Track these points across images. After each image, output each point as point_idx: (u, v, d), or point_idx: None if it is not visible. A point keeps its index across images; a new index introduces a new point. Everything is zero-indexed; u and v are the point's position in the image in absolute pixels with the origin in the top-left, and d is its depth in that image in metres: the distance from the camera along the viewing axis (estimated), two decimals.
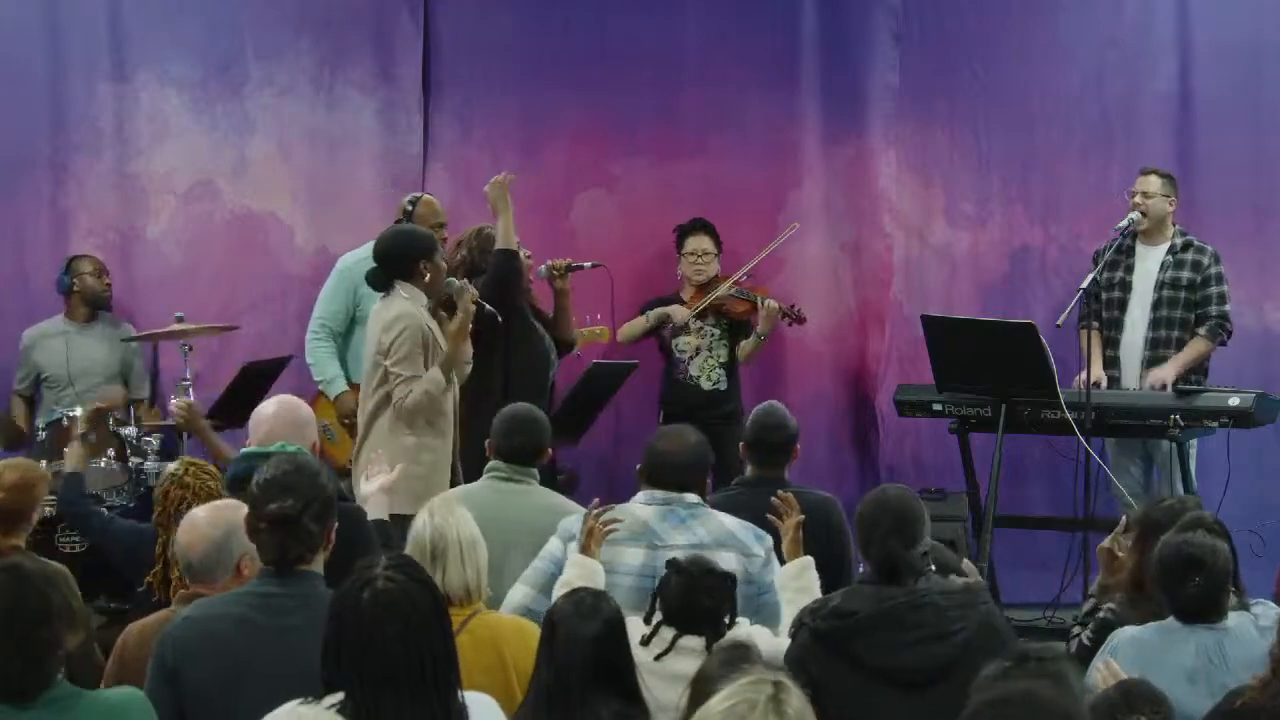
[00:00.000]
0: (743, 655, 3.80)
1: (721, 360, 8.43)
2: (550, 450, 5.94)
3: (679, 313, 8.36)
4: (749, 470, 6.04)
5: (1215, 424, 7.69)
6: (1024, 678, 3.24)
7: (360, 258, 7.87)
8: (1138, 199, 8.02)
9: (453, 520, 4.64)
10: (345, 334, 7.83)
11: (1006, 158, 8.96)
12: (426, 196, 7.87)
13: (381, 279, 6.69)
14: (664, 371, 8.48)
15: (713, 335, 8.41)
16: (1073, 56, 8.96)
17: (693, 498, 5.27)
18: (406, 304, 6.58)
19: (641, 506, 5.26)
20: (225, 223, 8.62)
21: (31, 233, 8.55)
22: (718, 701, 3.09)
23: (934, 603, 4.52)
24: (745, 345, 8.42)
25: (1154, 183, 8.05)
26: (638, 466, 5.40)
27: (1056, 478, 8.33)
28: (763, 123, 8.86)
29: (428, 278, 6.65)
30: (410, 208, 7.76)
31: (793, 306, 8.38)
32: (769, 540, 5.28)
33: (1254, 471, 8.33)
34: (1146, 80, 8.96)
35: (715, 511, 5.31)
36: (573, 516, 5.34)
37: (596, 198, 8.79)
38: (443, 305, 6.96)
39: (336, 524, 4.20)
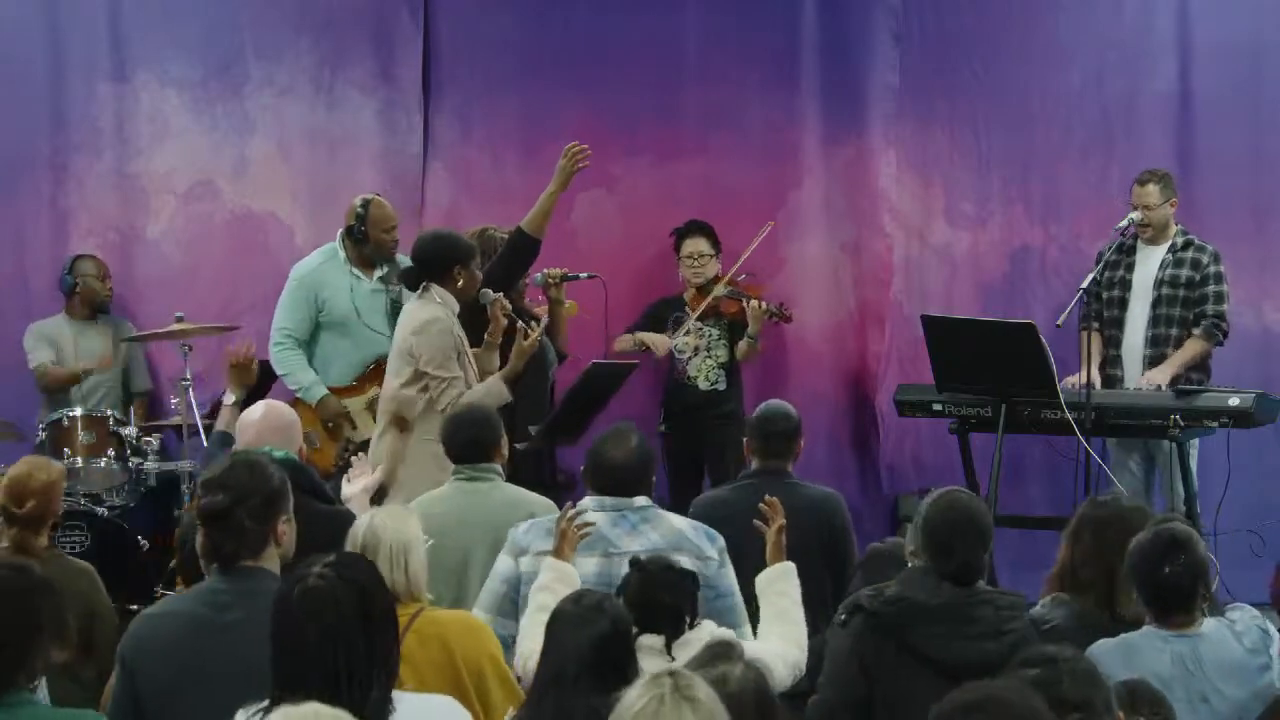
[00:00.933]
0: (724, 652, 3.80)
1: (720, 360, 8.43)
2: (504, 447, 5.89)
3: (660, 344, 8.34)
4: (754, 464, 6.04)
5: (1215, 424, 7.68)
6: (1059, 682, 3.25)
7: (314, 265, 7.88)
8: (1139, 214, 8.01)
9: (391, 524, 4.62)
10: (309, 341, 7.82)
11: (1006, 158, 8.96)
12: (378, 198, 7.85)
13: (414, 278, 6.73)
14: (665, 371, 8.48)
15: (711, 335, 8.41)
16: (1073, 56, 8.96)
17: (642, 500, 5.21)
18: (438, 308, 6.64)
19: (590, 514, 5.18)
20: (225, 223, 8.62)
21: (31, 233, 8.55)
22: (626, 707, 3.14)
23: (993, 601, 4.57)
24: (740, 346, 8.42)
25: (1152, 194, 8.02)
26: (581, 468, 5.36)
27: (1056, 478, 8.33)
28: (763, 123, 8.85)
29: (460, 283, 6.72)
30: (363, 210, 7.73)
31: (780, 305, 8.36)
32: (721, 541, 5.23)
33: (1254, 471, 8.32)
34: (1146, 80, 8.96)
35: (666, 514, 5.26)
36: (521, 527, 5.27)
37: (596, 198, 8.78)
38: (471, 310, 6.97)
39: (288, 518, 4.18)
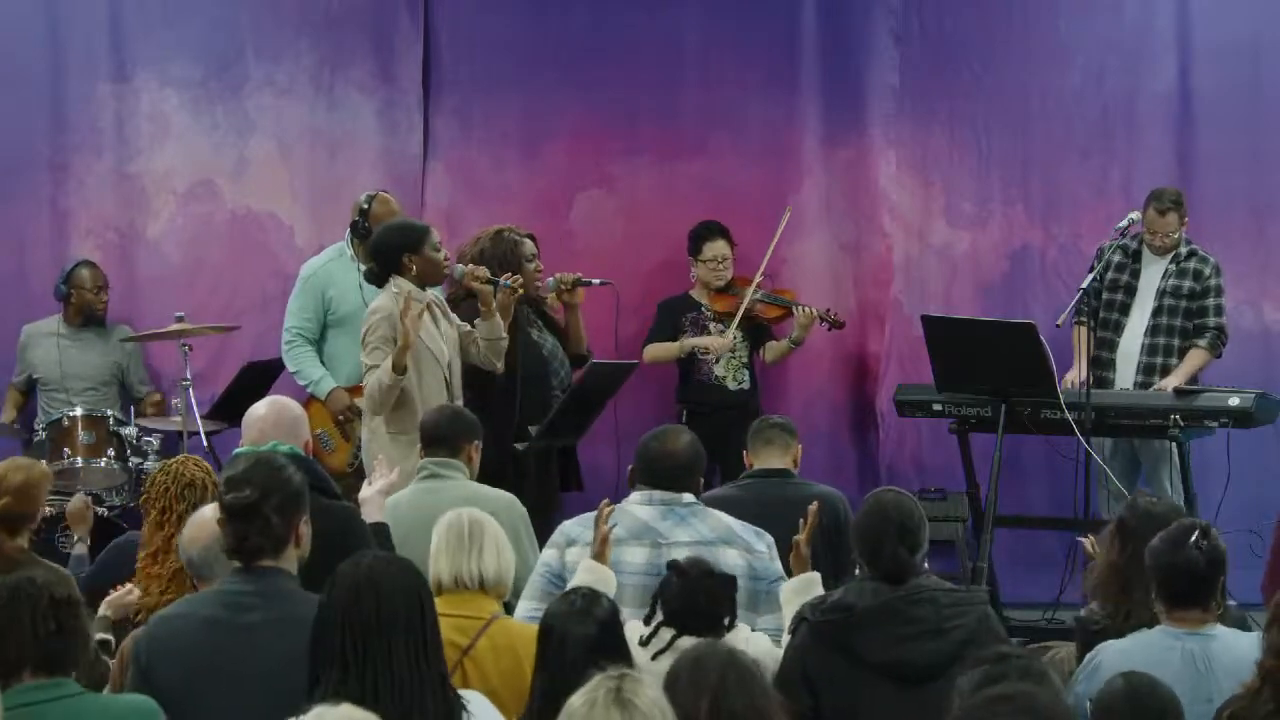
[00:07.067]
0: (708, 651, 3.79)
1: (744, 360, 8.43)
2: (478, 444, 5.89)
3: (717, 345, 8.29)
4: (753, 465, 6.06)
5: (1215, 424, 7.68)
6: (1005, 677, 3.25)
7: (322, 262, 7.91)
8: (1159, 241, 8.00)
9: (490, 518, 4.74)
10: (318, 340, 7.83)
11: (1006, 158, 8.95)
12: (382, 194, 7.88)
13: (378, 276, 6.75)
14: (681, 372, 8.45)
15: (736, 336, 8.39)
16: (1073, 56, 8.96)
17: (689, 497, 5.24)
18: (385, 299, 6.63)
19: (639, 507, 5.22)
20: (225, 223, 8.62)
21: (31, 233, 8.55)
22: (570, 702, 3.20)
23: (933, 599, 4.54)
24: (776, 348, 8.44)
25: (1172, 223, 7.98)
26: (629, 467, 5.36)
27: (1056, 478, 8.32)
28: (763, 123, 8.85)
29: (415, 270, 6.69)
30: (366, 206, 7.76)
31: (829, 310, 8.37)
32: (769, 537, 5.27)
33: (1254, 471, 8.31)
34: (1146, 80, 8.95)
35: (715, 510, 5.28)
36: (569, 522, 5.29)
37: (596, 198, 8.79)
38: (465, 295, 6.95)
39: (306, 518, 4.21)
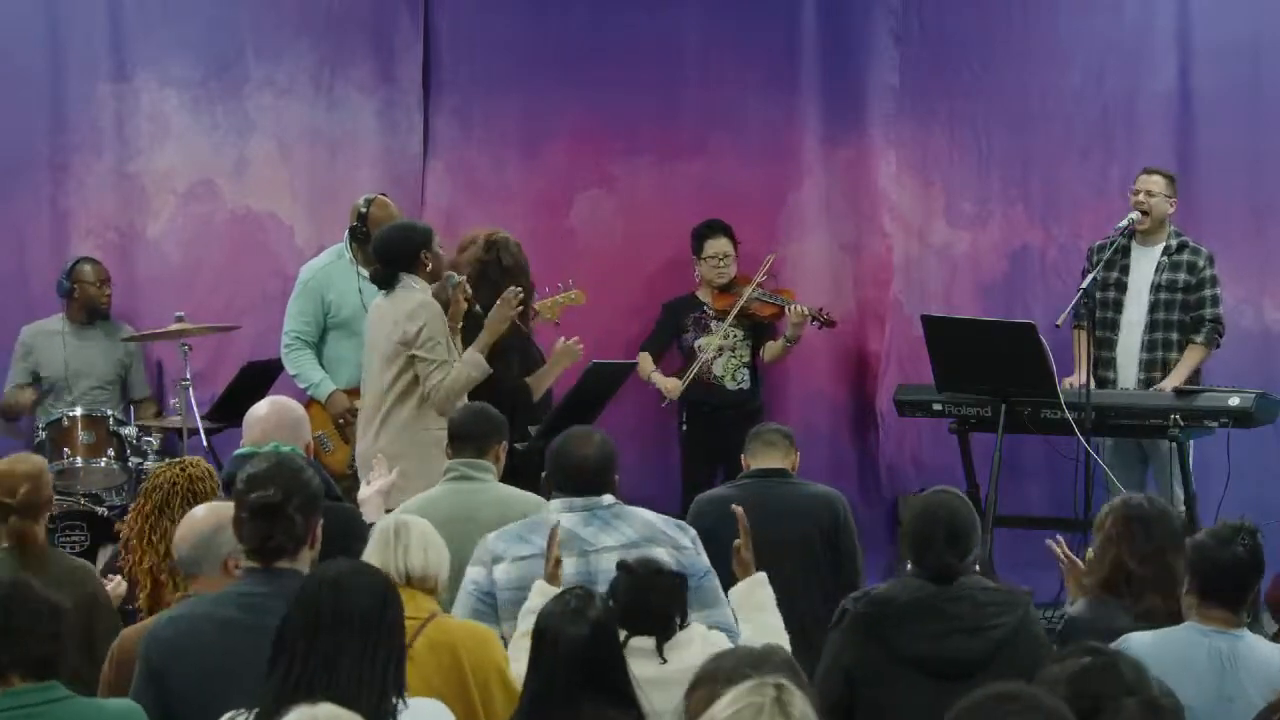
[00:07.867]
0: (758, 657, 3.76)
1: (744, 359, 8.44)
2: (505, 444, 5.85)
3: (669, 386, 8.29)
4: (751, 466, 6.06)
5: (1215, 424, 7.69)
6: (1115, 668, 3.24)
7: (321, 265, 7.91)
8: (1141, 197, 8.02)
9: (411, 518, 4.74)
10: (318, 343, 7.83)
11: (1006, 158, 8.96)
12: (381, 198, 7.89)
13: (388, 276, 6.74)
14: (680, 371, 8.45)
15: (736, 336, 8.40)
16: (1073, 56, 8.97)
17: (609, 499, 5.16)
18: (420, 294, 6.66)
19: (560, 515, 5.12)
20: (225, 223, 8.61)
21: (31, 233, 8.54)
22: (723, 707, 3.09)
23: (972, 597, 4.55)
24: (773, 348, 8.45)
25: (1158, 182, 8.04)
26: (544, 475, 5.31)
27: (1056, 478, 8.33)
28: (763, 123, 8.85)
29: (430, 266, 6.75)
30: (365, 209, 7.77)
31: (821, 310, 8.38)
32: (693, 531, 5.22)
33: (1254, 471, 8.32)
34: (1146, 80, 8.96)
35: (637, 509, 5.21)
36: (492, 536, 5.18)
37: (596, 198, 8.79)
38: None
39: (322, 521, 4.24)
